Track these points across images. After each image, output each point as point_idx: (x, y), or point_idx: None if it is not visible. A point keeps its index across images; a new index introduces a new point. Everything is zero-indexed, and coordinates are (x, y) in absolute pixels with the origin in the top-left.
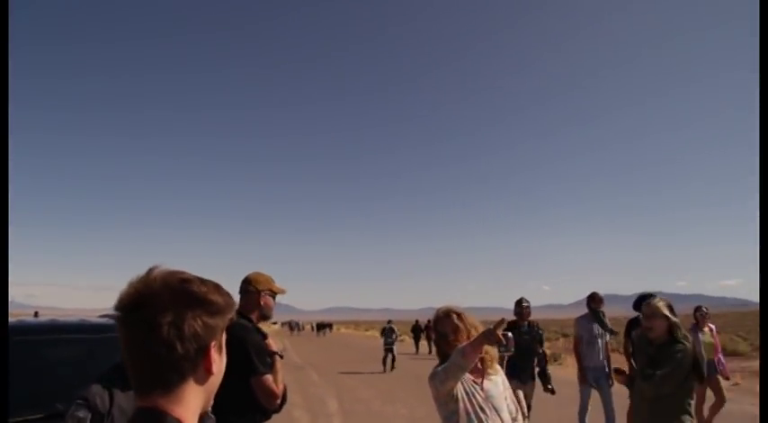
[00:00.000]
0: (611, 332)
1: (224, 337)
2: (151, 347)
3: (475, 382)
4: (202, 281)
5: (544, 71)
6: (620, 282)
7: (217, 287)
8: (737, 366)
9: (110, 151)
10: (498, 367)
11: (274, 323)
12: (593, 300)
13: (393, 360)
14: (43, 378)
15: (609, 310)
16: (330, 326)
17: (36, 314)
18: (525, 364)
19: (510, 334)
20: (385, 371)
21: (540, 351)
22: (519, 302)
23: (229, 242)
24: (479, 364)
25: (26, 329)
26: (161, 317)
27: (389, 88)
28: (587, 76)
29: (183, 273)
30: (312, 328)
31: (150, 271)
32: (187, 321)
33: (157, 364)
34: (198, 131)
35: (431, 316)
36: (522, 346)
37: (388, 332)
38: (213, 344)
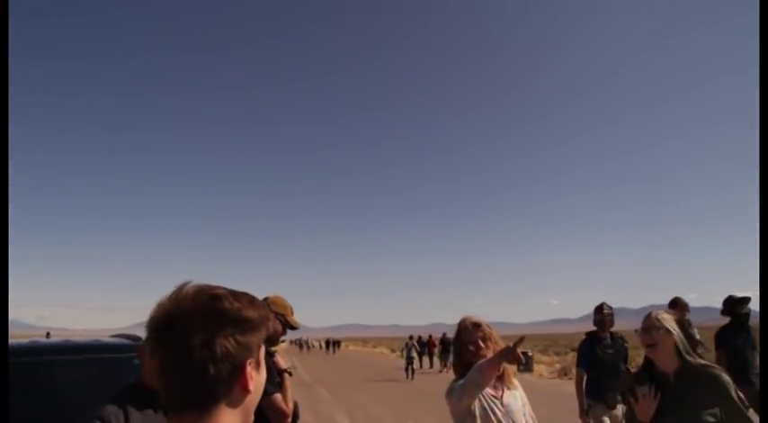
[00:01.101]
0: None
1: (262, 351)
2: (183, 369)
3: (494, 396)
4: (235, 296)
5: (555, 79)
6: (629, 295)
7: (251, 301)
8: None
9: (120, 172)
10: (517, 382)
11: (283, 341)
12: (677, 305)
13: (413, 372)
14: (57, 398)
15: (617, 324)
16: (338, 343)
17: (48, 335)
18: (611, 383)
19: (530, 352)
20: (407, 377)
21: (624, 368)
22: (599, 309)
23: (237, 261)
24: (499, 378)
25: (39, 350)
26: (192, 338)
27: (397, 102)
28: (599, 82)
29: (213, 289)
30: (320, 345)
31: (181, 288)
32: (219, 341)
33: (190, 385)
34: (206, 151)
35: (439, 331)
36: (607, 363)
37: (409, 347)
38: (249, 362)
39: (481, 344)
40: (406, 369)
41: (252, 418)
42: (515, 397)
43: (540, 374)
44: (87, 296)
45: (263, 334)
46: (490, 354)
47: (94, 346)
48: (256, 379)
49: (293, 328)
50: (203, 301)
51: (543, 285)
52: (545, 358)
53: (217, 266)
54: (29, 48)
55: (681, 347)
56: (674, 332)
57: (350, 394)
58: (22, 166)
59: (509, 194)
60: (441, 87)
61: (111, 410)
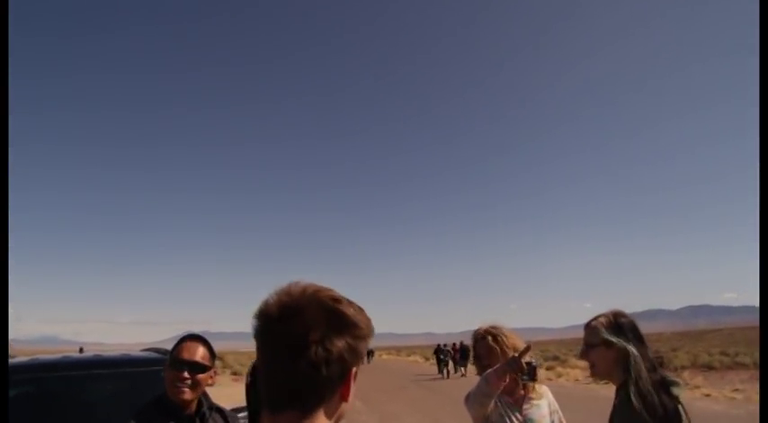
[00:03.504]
0: None
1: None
2: (295, 365)
3: (513, 404)
4: (350, 302)
5: (576, 82)
6: (665, 296)
7: (362, 310)
8: None
9: (155, 188)
10: (545, 389)
11: None
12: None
13: (448, 373)
14: (87, 413)
15: (654, 326)
16: (372, 352)
17: (81, 350)
18: None
19: (534, 362)
20: (443, 377)
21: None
22: None
23: (267, 274)
24: (522, 388)
25: (71, 365)
26: (310, 334)
27: (427, 110)
28: (623, 87)
29: (332, 290)
30: None
31: (296, 284)
32: (335, 342)
33: (299, 383)
34: (235, 165)
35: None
36: None
37: (443, 352)
38: (354, 370)
39: (484, 358)
40: (440, 369)
41: None
42: (538, 406)
43: (576, 379)
44: (123, 311)
45: (368, 344)
46: (496, 363)
47: (124, 361)
48: (353, 390)
49: None
50: (324, 300)
51: (577, 289)
52: (581, 363)
53: (252, 281)
54: (28, 63)
55: (631, 363)
56: (616, 343)
57: (384, 403)
58: (57, 182)
59: (542, 198)
60: (472, 93)
61: None
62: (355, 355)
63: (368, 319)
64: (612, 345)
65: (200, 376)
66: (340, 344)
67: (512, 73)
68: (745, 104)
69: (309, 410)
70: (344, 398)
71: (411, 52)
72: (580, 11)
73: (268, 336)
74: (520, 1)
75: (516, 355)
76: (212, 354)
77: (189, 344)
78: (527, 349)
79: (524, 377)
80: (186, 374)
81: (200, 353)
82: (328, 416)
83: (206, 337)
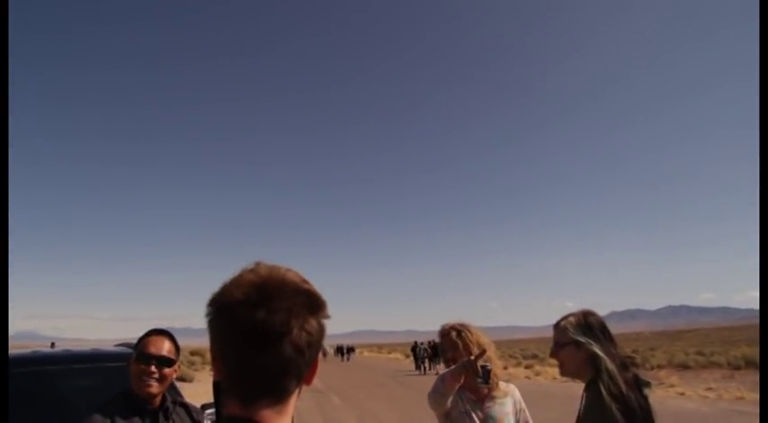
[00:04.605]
0: None
1: None
2: (278, 351)
3: (477, 402)
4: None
5: (558, 84)
6: (645, 297)
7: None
8: None
9: (135, 183)
10: (512, 388)
11: None
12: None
13: (425, 369)
14: (58, 408)
15: (634, 326)
16: (353, 349)
17: (53, 345)
18: None
19: (489, 366)
20: (421, 373)
21: None
22: None
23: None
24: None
25: (41, 360)
26: (292, 318)
27: (405, 108)
28: (603, 86)
29: (295, 271)
30: (335, 352)
31: (259, 266)
32: (313, 324)
33: (281, 369)
34: (218, 161)
35: None
36: None
37: (421, 350)
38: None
39: (448, 351)
40: (418, 367)
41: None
42: (502, 404)
43: (554, 377)
44: (104, 307)
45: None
46: (459, 358)
47: (96, 356)
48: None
49: None
50: (296, 281)
51: (558, 288)
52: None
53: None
54: (27, 58)
55: (598, 369)
56: (587, 345)
57: (362, 400)
58: (37, 178)
59: (523, 198)
60: (451, 93)
61: (98, 420)
62: (323, 337)
63: None
64: (581, 344)
65: (167, 370)
66: (315, 325)
67: (480, 83)
68: (725, 102)
69: (284, 397)
70: (310, 381)
71: (397, 50)
72: (567, 6)
73: (241, 321)
74: None
75: (472, 357)
76: (177, 348)
77: (155, 338)
78: (482, 353)
79: (479, 380)
80: (153, 368)
81: (166, 347)
82: (295, 400)
83: (188, 333)
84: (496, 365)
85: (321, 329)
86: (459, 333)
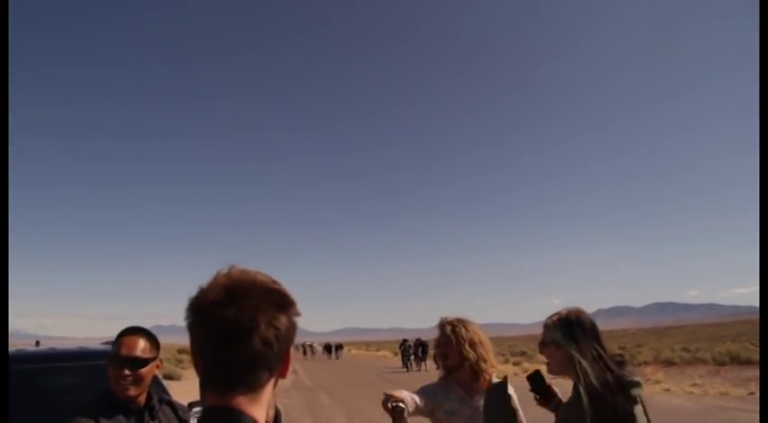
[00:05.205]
0: None
1: None
2: (248, 344)
3: (467, 396)
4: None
5: (547, 80)
6: (631, 294)
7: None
8: (753, 375)
9: (123, 180)
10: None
11: None
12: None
13: (410, 366)
14: (43, 407)
15: (621, 322)
16: (341, 346)
17: (37, 343)
18: None
19: (402, 405)
20: (407, 370)
21: None
22: None
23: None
24: (475, 380)
25: (25, 358)
26: (260, 314)
27: (395, 105)
28: (592, 83)
29: (265, 273)
30: (323, 350)
31: (232, 270)
32: (282, 320)
33: (251, 361)
34: (206, 157)
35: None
36: None
37: (407, 347)
38: (292, 346)
39: (442, 343)
40: (405, 364)
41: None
42: None
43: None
44: (91, 305)
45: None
46: (451, 352)
47: (81, 354)
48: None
49: None
50: (266, 281)
51: (545, 285)
52: None
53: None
54: (31, 55)
55: (578, 367)
56: (563, 343)
57: (350, 398)
58: (24, 174)
59: (510, 195)
60: (442, 88)
61: (81, 421)
62: (294, 332)
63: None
64: (560, 344)
65: (143, 371)
66: (285, 321)
67: (466, 81)
68: (716, 100)
69: (257, 387)
70: (284, 374)
71: (390, 44)
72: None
73: (215, 321)
74: None
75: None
76: (154, 344)
77: (127, 339)
78: (391, 396)
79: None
80: (127, 371)
81: (140, 346)
82: (270, 391)
83: (174, 331)
84: (491, 363)
85: (291, 325)
86: (453, 328)
